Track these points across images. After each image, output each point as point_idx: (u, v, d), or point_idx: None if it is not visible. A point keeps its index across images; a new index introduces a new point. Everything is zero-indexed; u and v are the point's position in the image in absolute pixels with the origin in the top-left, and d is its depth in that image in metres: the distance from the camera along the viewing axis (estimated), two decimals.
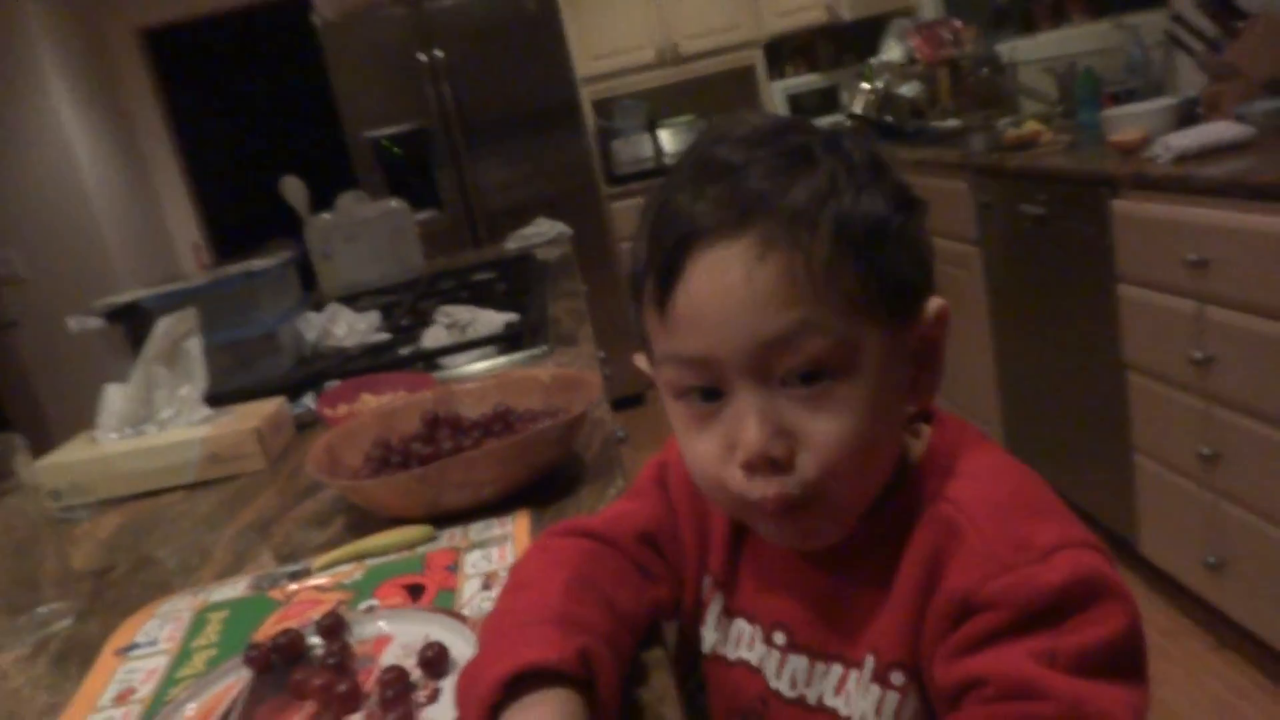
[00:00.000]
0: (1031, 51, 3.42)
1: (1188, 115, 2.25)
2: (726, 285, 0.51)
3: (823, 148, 0.54)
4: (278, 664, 0.67)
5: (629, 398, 4.34)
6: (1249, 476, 1.78)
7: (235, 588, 0.83)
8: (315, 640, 0.68)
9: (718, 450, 0.54)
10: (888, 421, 0.54)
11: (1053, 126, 2.68)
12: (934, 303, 0.55)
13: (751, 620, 0.63)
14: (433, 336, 1.60)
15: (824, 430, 0.52)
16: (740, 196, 0.52)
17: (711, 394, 0.54)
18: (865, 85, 3.82)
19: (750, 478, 0.53)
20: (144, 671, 0.72)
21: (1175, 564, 2.06)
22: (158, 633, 0.78)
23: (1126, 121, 2.27)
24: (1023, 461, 0.58)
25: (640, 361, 0.62)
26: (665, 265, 0.53)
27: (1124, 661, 0.48)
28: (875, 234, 0.52)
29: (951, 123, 3.49)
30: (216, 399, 1.31)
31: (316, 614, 0.73)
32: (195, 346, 1.27)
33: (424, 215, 3.88)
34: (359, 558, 0.84)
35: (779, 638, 0.60)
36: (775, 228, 0.51)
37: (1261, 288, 1.66)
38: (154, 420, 1.23)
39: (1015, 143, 2.61)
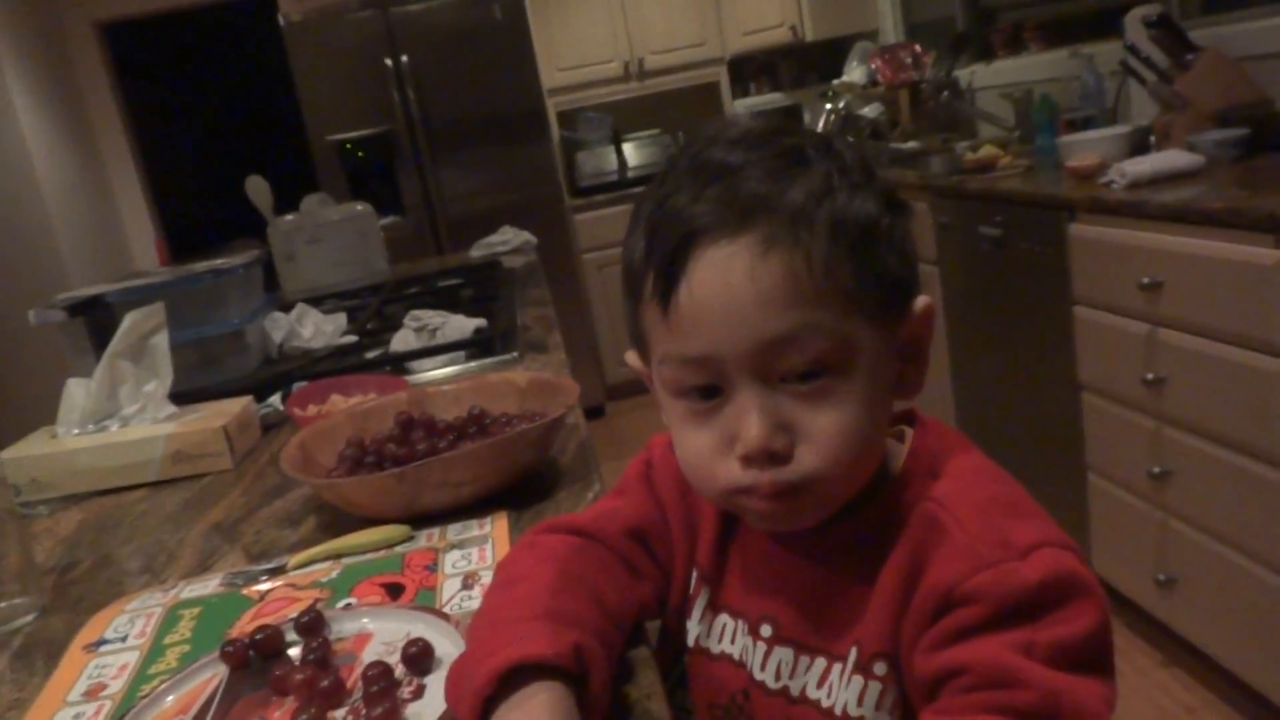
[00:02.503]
0: (990, 77, 3.50)
1: (1141, 143, 2.32)
2: (730, 283, 0.52)
3: (815, 149, 0.55)
4: (255, 660, 0.66)
5: (589, 410, 4.33)
6: (1198, 495, 1.83)
7: (207, 585, 0.82)
8: (294, 637, 0.68)
9: (715, 444, 0.56)
10: (878, 415, 0.56)
11: (1010, 151, 2.75)
12: (921, 300, 0.58)
13: (736, 615, 0.64)
14: (402, 340, 1.59)
15: (822, 425, 0.53)
16: (741, 196, 0.53)
17: (711, 391, 0.55)
18: (828, 105, 3.88)
19: (746, 469, 0.54)
20: (115, 667, 0.71)
21: (1126, 581, 2.10)
22: (128, 629, 0.76)
23: (1082, 148, 2.34)
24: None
25: (632, 359, 0.62)
26: (668, 263, 0.54)
27: (1096, 656, 0.50)
28: (869, 233, 0.54)
29: (911, 145, 3.56)
30: (182, 397, 1.30)
31: (293, 611, 0.72)
32: (162, 342, 1.25)
33: (387, 221, 3.85)
34: (335, 556, 0.83)
35: (765, 629, 0.61)
36: (776, 227, 0.52)
37: (1211, 311, 1.71)
38: (118, 416, 1.21)
39: (974, 166, 2.67)
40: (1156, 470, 1.90)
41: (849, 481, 0.56)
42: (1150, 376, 1.87)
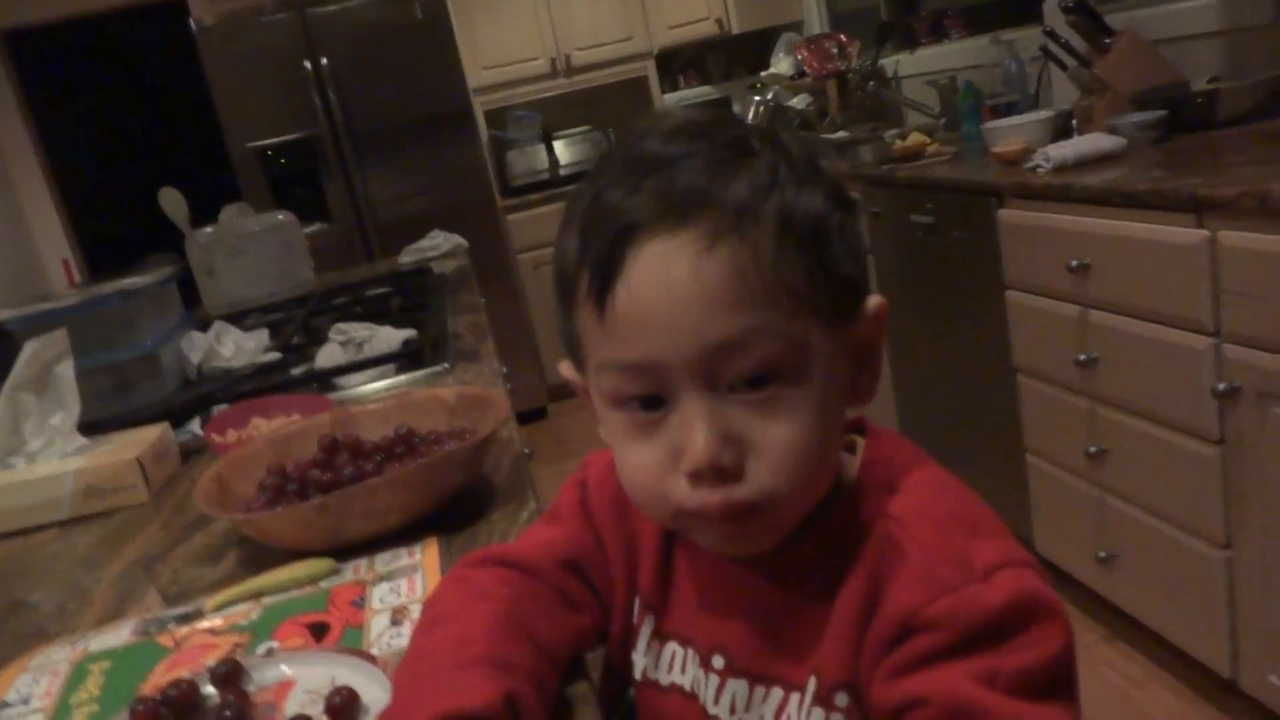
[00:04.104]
0: (915, 66, 3.53)
1: (1064, 127, 2.35)
2: (672, 280, 0.48)
3: (761, 141, 0.52)
4: (168, 718, 0.61)
5: (532, 412, 4.29)
6: (1133, 472, 1.86)
7: (119, 635, 0.77)
8: (210, 690, 0.63)
9: (660, 460, 0.52)
10: (833, 424, 0.53)
11: (937, 139, 2.77)
12: (873, 300, 0.54)
13: (685, 643, 0.61)
14: (327, 355, 1.54)
15: (775, 437, 0.50)
16: (680, 189, 0.49)
17: (653, 402, 0.51)
18: (756, 98, 3.88)
19: (695, 487, 0.51)
20: None
21: (1069, 559, 2.13)
22: (31, 688, 0.71)
23: (1007, 133, 2.36)
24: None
25: (566, 369, 0.58)
26: (604, 261, 0.50)
27: (1060, 681, 0.49)
28: (819, 229, 0.51)
29: (840, 135, 3.57)
30: (93, 427, 1.23)
31: (210, 660, 0.68)
32: (67, 371, 1.18)
33: (313, 228, 3.75)
34: (255, 596, 0.78)
35: (717, 661, 0.58)
36: (720, 221, 0.48)
37: (1138, 291, 1.73)
38: (21, 453, 1.14)
39: (902, 154, 2.69)
40: (1093, 449, 1.93)
41: (804, 499, 0.53)
42: (1082, 358, 1.89)
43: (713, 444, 0.49)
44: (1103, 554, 1.97)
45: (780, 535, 0.54)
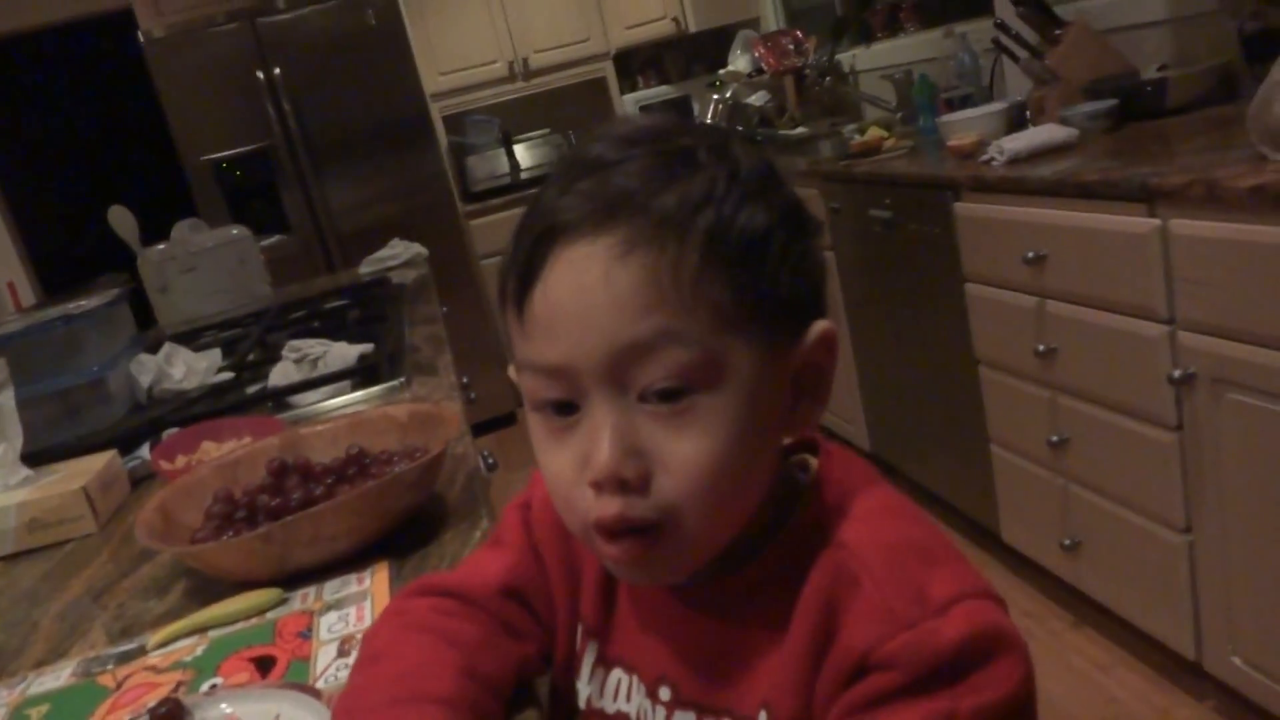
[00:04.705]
0: (870, 60, 3.55)
1: (1017, 119, 2.37)
2: (584, 284, 0.47)
3: (709, 153, 0.51)
4: None
5: (498, 418, 4.26)
6: (1095, 460, 1.87)
7: (58, 676, 0.75)
8: None
9: (571, 467, 0.50)
10: (755, 448, 0.51)
11: (895, 133, 2.77)
12: (818, 326, 0.52)
13: (629, 670, 0.59)
14: (281, 373, 1.51)
15: (683, 451, 0.48)
16: (608, 192, 0.48)
17: (567, 407, 0.50)
18: (715, 96, 3.88)
19: (598, 496, 0.49)
20: None
21: (1034, 548, 2.15)
22: None
23: (962, 127, 2.37)
24: (888, 464, 0.56)
25: (513, 372, 0.57)
26: (525, 262, 0.49)
27: (1018, 716, 0.47)
28: (752, 248, 0.49)
29: (799, 131, 3.58)
30: (37, 457, 1.20)
31: (152, 699, 0.66)
32: (8, 400, 1.15)
33: (271, 240, 3.71)
34: (201, 630, 0.76)
35: (664, 692, 0.57)
36: (642, 229, 0.47)
37: (1093, 281, 1.74)
38: None
39: (861, 149, 2.69)
40: (1055, 439, 1.94)
41: (712, 523, 0.51)
42: (1042, 348, 1.90)
43: (616, 454, 0.48)
44: (1067, 541, 1.98)
45: (688, 568, 0.52)
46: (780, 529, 0.54)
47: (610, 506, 0.49)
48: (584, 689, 0.61)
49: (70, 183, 5.44)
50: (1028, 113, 2.36)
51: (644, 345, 0.47)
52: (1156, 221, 1.56)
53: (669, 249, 0.47)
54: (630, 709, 0.58)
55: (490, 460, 1.44)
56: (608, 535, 0.50)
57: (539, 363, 0.50)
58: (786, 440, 0.56)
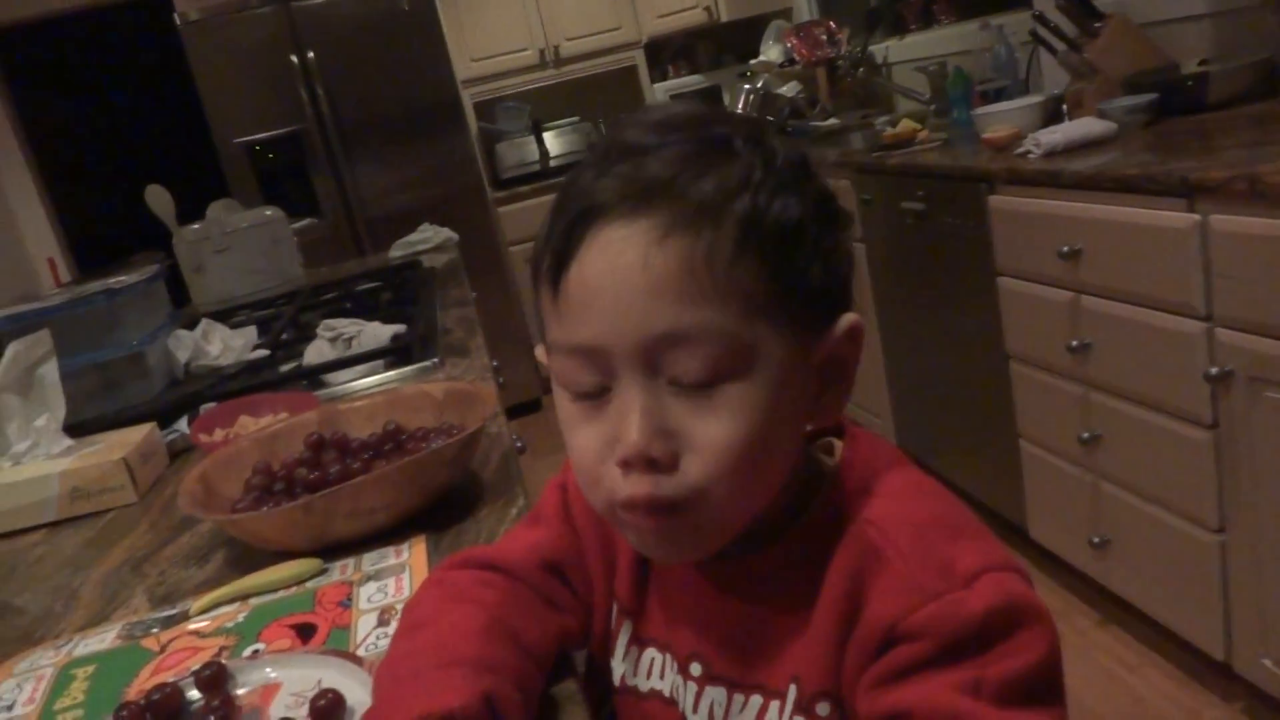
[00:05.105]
0: (904, 52, 3.52)
1: (1054, 112, 2.34)
2: (621, 266, 0.48)
3: (745, 142, 0.51)
4: None
5: (525, 404, 4.28)
6: (1126, 457, 1.85)
7: (104, 639, 0.76)
8: (194, 694, 0.63)
9: (598, 445, 0.51)
10: (780, 434, 0.51)
11: (928, 125, 2.76)
12: (846, 318, 0.53)
13: (663, 649, 0.60)
14: (316, 351, 1.53)
15: (710, 434, 0.49)
16: (645, 176, 0.49)
17: (598, 386, 0.51)
18: (746, 86, 3.86)
19: (626, 475, 0.50)
20: None
21: (1062, 545, 2.13)
22: (15, 695, 0.70)
23: (997, 119, 2.35)
24: (915, 458, 0.57)
25: (540, 353, 0.58)
26: (561, 241, 0.50)
27: (1046, 686, 0.48)
28: (786, 238, 0.50)
29: (831, 122, 3.56)
30: (79, 428, 1.22)
31: (195, 663, 0.67)
32: (51, 372, 1.17)
33: (302, 223, 3.73)
34: (242, 597, 0.78)
35: (695, 668, 0.57)
36: (679, 214, 0.48)
37: (1129, 276, 1.73)
38: (7, 455, 1.13)
39: (893, 141, 2.67)
40: (1086, 435, 1.92)
41: (737, 505, 0.51)
42: (1075, 343, 1.88)
43: (645, 433, 0.48)
44: (1096, 539, 1.97)
45: (712, 545, 0.53)
46: (807, 508, 0.55)
47: (641, 485, 0.49)
48: (619, 667, 0.62)
49: (105, 163, 5.50)
50: (1064, 106, 2.33)
51: (678, 336, 0.48)
52: (1196, 217, 1.55)
53: (705, 234, 0.48)
54: (664, 686, 0.59)
55: (520, 444, 1.45)
56: (633, 513, 0.50)
57: (572, 341, 0.51)
58: (810, 426, 0.57)
